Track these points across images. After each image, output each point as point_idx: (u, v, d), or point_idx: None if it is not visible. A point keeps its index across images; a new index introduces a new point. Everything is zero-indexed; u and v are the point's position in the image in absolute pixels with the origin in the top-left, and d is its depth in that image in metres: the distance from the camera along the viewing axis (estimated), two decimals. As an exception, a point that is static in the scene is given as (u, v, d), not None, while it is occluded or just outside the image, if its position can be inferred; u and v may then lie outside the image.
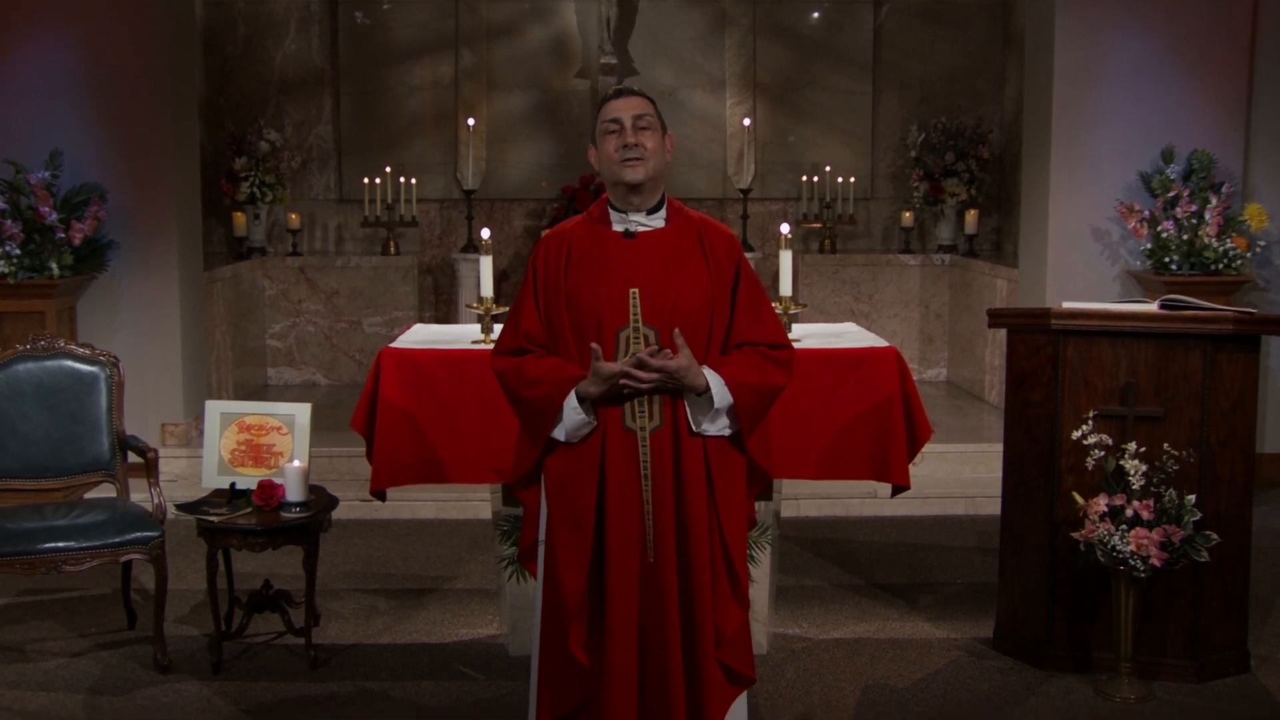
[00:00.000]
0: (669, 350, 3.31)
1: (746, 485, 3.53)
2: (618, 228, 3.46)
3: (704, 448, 3.40)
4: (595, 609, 3.39)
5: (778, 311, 4.63)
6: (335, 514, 5.03)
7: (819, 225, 9.64)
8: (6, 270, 6.69)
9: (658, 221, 3.48)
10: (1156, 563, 4.31)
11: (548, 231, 3.58)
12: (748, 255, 9.66)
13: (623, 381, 3.29)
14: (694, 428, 3.38)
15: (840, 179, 9.57)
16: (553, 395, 3.35)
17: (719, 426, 3.39)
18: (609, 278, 3.39)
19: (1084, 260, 7.31)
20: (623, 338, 3.36)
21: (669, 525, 3.37)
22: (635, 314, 3.35)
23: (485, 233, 4.84)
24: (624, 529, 3.36)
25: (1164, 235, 7.00)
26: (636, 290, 3.36)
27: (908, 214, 9.66)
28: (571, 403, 3.34)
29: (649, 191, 3.45)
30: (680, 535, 3.38)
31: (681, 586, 3.39)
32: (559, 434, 3.39)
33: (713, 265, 3.44)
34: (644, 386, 3.31)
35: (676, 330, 3.31)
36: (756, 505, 4.48)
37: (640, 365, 3.28)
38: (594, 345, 3.30)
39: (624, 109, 3.43)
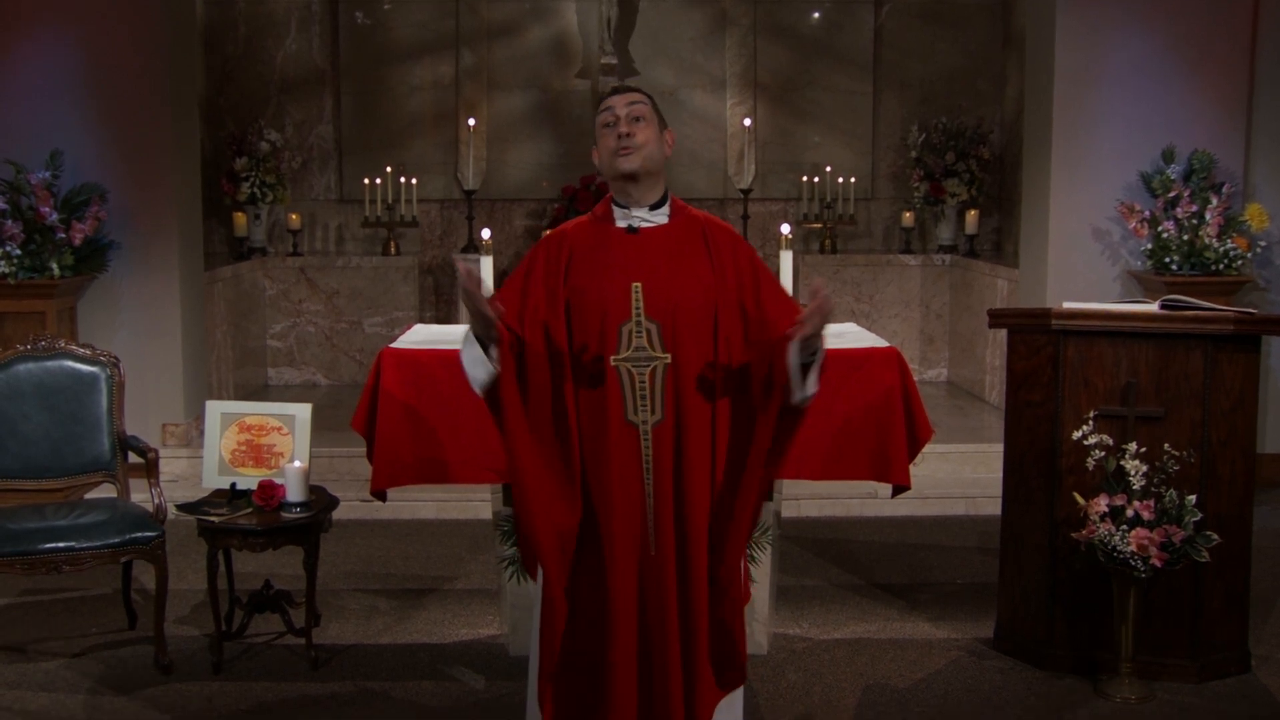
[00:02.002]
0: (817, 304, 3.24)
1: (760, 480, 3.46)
2: (621, 224, 3.48)
3: (712, 449, 3.40)
4: (600, 606, 3.39)
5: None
6: (336, 514, 5.03)
7: (819, 225, 9.64)
8: (7, 270, 6.70)
9: (660, 218, 3.49)
10: (1157, 563, 4.31)
11: (558, 227, 3.60)
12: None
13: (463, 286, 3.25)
14: (796, 396, 3.33)
15: (841, 179, 9.57)
16: (464, 339, 3.39)
17: (808, 389, 3.33)
18: (611, 273, 3.41)
19: (1084, 260, 7.31)
20: (624, 332, 3.37)
21: (669, 519, 3.38)
22: (638, 308, 3.37)
23: (486, 233, 4.85)
24: (626, 522, 3.37)
25: (1164, 235, 7.00)
26: (639, 284, 3.38)
27: (908, 214, 9.66)
28: (465, 332, 3.36)
29: (648, 185, 3.47)
30: (680, 529, 3.39)
31: (680, 580, 3.40)
32: (473, 384, 3.39)
33: (716, 262, 3.45)
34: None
35: (820, 280, 3.26)
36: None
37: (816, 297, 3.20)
38: (454, 257, 3.35)
39: (618, 102, 3.48)
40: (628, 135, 3.42)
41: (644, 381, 3.37)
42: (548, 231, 9.26)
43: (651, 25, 9.73)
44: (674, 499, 3.39)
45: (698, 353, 3.40)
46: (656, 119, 3.49)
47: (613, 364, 3.37)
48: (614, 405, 3.37)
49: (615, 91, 3.54)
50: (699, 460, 3.40)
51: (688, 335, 3.38)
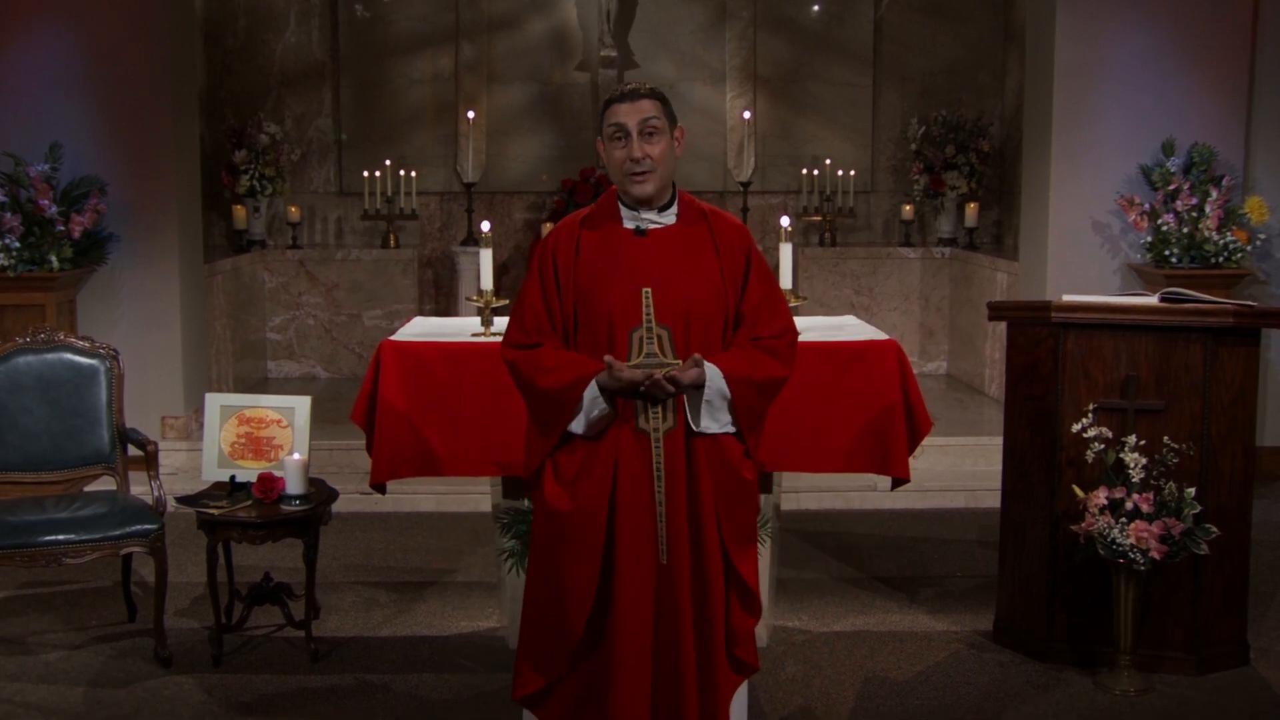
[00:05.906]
0: (685, 362, 3.27)
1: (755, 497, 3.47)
2: (628, 224, 3.39)
3: (712, 453, 3.37)
4: (599, 606, 3.36)
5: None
6: (335, 507, 5.04)
7: (819, 218, 9.64)
8: (6, 263, 6.69)
9: (669, 218, 3.41)
10: (1156, 556, 4.31)
11: (560, 222, 3.51)
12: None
13: (644, 388, 3.23)
14: (694, 425, 3.31)
15: (841, 172, 9.57)
16: (573, 385, 3.27)
17: (721, 424, 3.32)
18: (619, 276, 3.32)
19: (1084, 253, 7.30)
20: (635, 338, 3.30)
21: (682, 526, 3.32)
22: (648, 314, 3.29)
23: (485, 225, 4.85)
24: (636, 530, 3.31)
25: (1164, 228, 7.00)
26: (649, 290, 3.30)
27: (908, 207, 9.66)
28: (593, 393, 3.25)
29: (660, 195, 3.40)
30: (694, 535, 3.34)
31: (695, 587, 3.35)
32: (576, 426, 3.30)
33: (724, 260, 3.38)
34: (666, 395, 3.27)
35: (696, 356, 3.26)
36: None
37: (659, 384, 3.23)
38: (607, 358, 3.24)
39: (629, 114, 3.32)
40: (643, 158, 3.30)
41: None
42: (554, 224, 9.26)
43: (651, 18, 9.72)
44: (686, 506, 3.33)
45: (710, 357, 3.33)
46: (668, 124, 3.35)
47: None
48: (623, 412, 3.30)
49: (622, 97, 3.36)
50: (710, 466, 3.36)
51: (700, 340, 3.31)
